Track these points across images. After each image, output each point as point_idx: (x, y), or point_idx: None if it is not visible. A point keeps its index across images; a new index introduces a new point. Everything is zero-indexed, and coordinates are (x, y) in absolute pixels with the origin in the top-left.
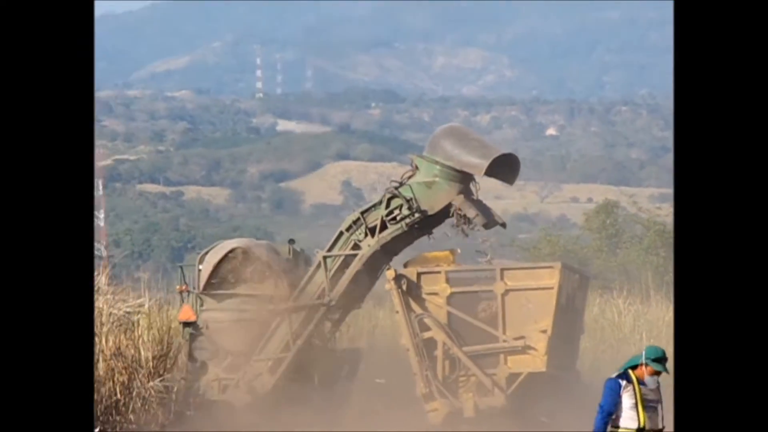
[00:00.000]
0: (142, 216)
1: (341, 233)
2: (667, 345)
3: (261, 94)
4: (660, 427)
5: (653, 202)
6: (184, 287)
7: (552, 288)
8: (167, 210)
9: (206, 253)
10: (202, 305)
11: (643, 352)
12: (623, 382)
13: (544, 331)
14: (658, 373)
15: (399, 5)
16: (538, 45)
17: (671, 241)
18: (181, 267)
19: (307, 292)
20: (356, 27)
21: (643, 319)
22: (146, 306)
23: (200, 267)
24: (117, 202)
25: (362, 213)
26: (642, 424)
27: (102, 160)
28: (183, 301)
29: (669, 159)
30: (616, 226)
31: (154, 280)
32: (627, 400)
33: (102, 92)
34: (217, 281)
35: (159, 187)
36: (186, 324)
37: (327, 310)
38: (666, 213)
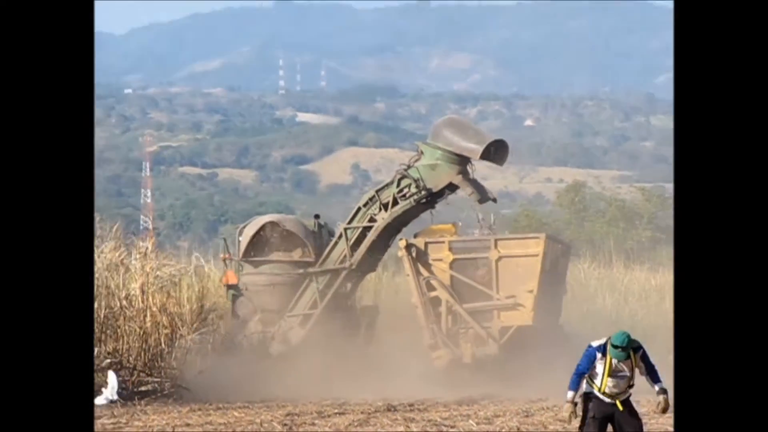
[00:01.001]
0: (183, 194)
1: (359, 208)
2: (625, 302)
3: (283, 91)
4: (626, 387)
5: (614, 183)
6: (227, 255)
7: (537, 255)
8: (204, 189)
9: (244, 226)
10: (242, 270)
11: (612, 335)
12: (599, 355)
13: (531, 291)
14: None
15: (400, 14)
16: (517, 49)
17: (629, 215)
18: (224, 239)
19: (331, 258)
20: (364, 33)
21: (606, 281)
22: (188, 269)
23: (240, 238)
24: (161, 182)
25: (377, 191)
26: (601, 390)
27: (149, 147)
28: (226, 267)
29: (628, 146)
30: (584, 203)
31: (193, 248)
32: (599, 367)
33: (149, 89)
34: (254, 250)
35: (197, 170)
36: (229, 286)
37: (348, 273)
38: (625, 191)
